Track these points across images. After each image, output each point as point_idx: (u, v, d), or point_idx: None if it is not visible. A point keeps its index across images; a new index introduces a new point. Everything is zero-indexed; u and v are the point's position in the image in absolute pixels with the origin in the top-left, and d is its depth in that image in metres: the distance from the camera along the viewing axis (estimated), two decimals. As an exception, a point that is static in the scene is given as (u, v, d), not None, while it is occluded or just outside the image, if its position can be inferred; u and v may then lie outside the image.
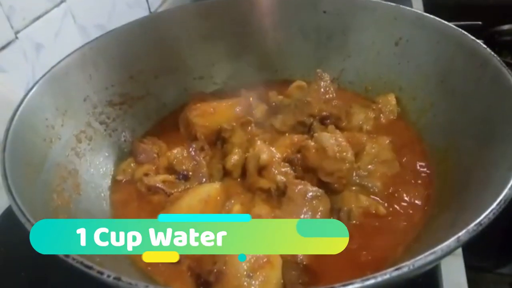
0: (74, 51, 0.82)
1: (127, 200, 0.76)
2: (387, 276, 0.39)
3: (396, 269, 0.40)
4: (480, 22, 1.32)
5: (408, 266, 0.40)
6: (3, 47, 0.87)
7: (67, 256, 0.44)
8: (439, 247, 0.41)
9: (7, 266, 0.76)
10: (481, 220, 0.44)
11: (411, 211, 0.68)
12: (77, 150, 0.76)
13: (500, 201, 0.46)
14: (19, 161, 0.61)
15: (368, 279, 0.39)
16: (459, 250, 0.77)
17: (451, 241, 0.42)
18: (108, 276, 0.42)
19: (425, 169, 0.74)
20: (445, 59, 0.78)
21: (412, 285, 0.70)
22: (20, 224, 0.49)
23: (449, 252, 0.42)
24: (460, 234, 0.43)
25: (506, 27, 1.44)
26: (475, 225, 0.43)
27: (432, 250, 0.41)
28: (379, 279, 0.39)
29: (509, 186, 0.48)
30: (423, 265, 0.40)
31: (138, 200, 0.75)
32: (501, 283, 1.09)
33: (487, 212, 0.44)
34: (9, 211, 0.59)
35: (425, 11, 1.05)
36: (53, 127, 0.73)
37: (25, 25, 0.92)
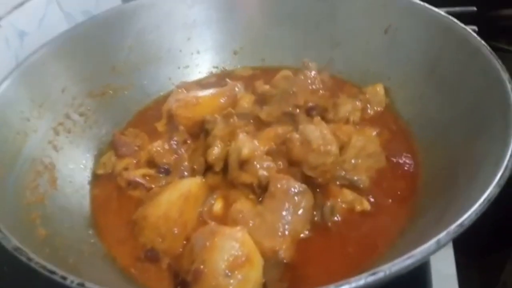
0: (50, 40, 0.80)
1: (107, 196, 0.73)
2: (361, 282, 0.37)
3: (372, 274, 0.38)
4: (474, 8, 1.28)
5: (384, 271, 0.38)
6: (-16, 34, 0.84)
7: (29, 259, 0.42)
8: (418, 250, 0.40)
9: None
10: (463, 221, 0.42)
11: (396, 206, 0.66)
12: (55, 143, 0.74)
13: (484, 201, 0.44)
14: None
15: (341, 285, 0.37)
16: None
17: (430, 244, 0.40)
18: (72, 281, 0.40)
19: (412, 163, 0.71)
20: (435, 48, 0.76)
21: (400, 277, 0.69)
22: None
23: (429, 254, 0.41)
24: (440, 236, 0.41)
25: (502, 12, 1.41)
26: (456, 226, 0.41)
27: (409, 254, 0.39)
28: (353, 284, 0.37)
29: (493, 184, 0.46)
30: (400, 269, 0.39)
31: (118, 196, 0.73)
32: (491, 269, 1.08)
33: (468, 213, 0.42)
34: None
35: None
36: (29, 120, 0.70)
37: (7, 11, 0.89)
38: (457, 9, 1.01)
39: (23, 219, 0.57)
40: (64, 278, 0.40)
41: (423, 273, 0.70)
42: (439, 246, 0.40)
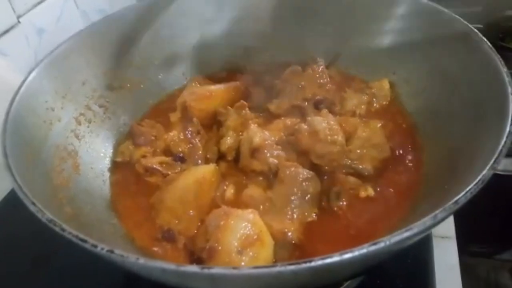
0: (72, 35, 0.84)
1: (125, 181, 0.78)
2: (363, 251, 0.41)
3: (373, 244, 0.41)
4: (480, 8, 1.31)
5: (384, 242, 0.42)
6: (5, 32, 0.88)
7: (63, 230, 0.46)
8: (415, 224, 0.43)
9: (11, 244, 0.79)
10: (458, 198, 0.45)
11: (399, 194, 0.70)
12: (77, 132, 0.78)
13: (478, 181, 0.47)
14: (20, 141, 0.64)
15: (345, 253, 0.41)
16: (452, 233, 0.79)
17: (427, 219, 0.44)
18: (102, 249, 0.44)
19: (415, 153, 0.75)
20: (438, 44, 0.79)
21: (405, 267, 0.73)
22: (23, 204, 0.51)
23: (426, 229, 0.44)
24: (437, 211, 0.44)
25: (509, 12, 1.43)
26: (452, 203, 0.45)
27: (408, 227, 0.43)
28: (356, 253, 0.41)
29: (488, 167, 0.49)
30: (399, 241, 0.42)
31: (136, 181, 0.77)
32: (500, 269, 1.10)
33: (464, 191, 0.46)
34: (12, 194, 0.61)
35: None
36: (53, 110, 0.75)
37: (27, 9, 0.94)
38: (464, 10, 1.05)
39: (52, 198, 0.61)
40: (95, 246, 0.44)
41: (426, 264, 0.73)
42: (436, 221, 0.44)
